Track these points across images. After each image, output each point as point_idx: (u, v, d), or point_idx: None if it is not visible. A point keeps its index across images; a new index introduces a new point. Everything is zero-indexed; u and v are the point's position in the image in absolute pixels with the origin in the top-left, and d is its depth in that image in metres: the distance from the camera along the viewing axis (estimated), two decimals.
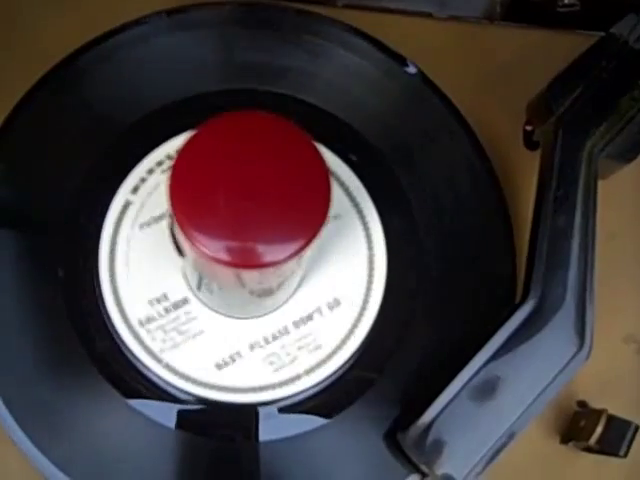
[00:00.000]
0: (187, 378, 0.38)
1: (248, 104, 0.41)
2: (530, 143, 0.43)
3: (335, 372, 0.39)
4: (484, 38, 0.46)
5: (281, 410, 0.38)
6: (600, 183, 0.39)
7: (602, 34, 0.41)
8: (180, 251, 0.34)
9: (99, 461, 0.38)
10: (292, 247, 0.29)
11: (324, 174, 0.29)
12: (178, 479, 0.38)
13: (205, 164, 0.29)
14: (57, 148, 0.41)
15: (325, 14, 0.43)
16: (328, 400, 0.39)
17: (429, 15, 0.45)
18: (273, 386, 0.38)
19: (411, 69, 0.42)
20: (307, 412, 0.39)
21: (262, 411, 0.38)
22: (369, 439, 0.39)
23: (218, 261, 0.29)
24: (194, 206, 0.29)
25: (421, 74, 0.42)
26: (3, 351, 0.38)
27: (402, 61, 0.42)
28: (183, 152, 0.29)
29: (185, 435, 0.38)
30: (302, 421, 0.39)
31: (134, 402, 0.38)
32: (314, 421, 0.39)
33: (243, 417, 0.38)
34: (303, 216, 0.29)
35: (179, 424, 0.38)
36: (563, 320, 0.37)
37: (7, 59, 0.44)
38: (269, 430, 0.38)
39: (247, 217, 0.29)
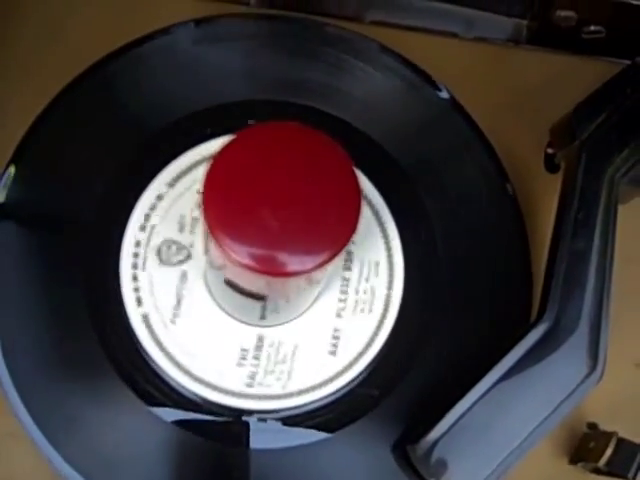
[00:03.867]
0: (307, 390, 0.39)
1: (273, 116, 0.41)
2: (551, 166, 0.44)
3: (343, 387, 0.39)
4: (509, 61, 0.46)
5: (282, 421, 0.39)
6: (619, 207, 0.39)
7: (626, 62, 0.42)
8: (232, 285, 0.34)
9: (106, 456, 0.38)
10: (320, 257, 0.29)
11: (355, 186, 0.29)
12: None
13: (238, 172, 0.29)
14: (83, 151, 0.41)
15: (352, 30, 0.44)
16: (329, 415, 0.39)
17: (455, 35, 0.46)
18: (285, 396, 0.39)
19: (437, 89, 0.43)
20: (311, 426, 0.39)
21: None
22: (370, 456, 0.39)
23: (245, 267, 0.29)
24: (226, 214, 0.29)
25: (446, 93, 0.43)
26: (26, 352, 0.39)
27: (429, 80, 0.43)
28: (217, 160, 0.30)
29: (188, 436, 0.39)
30: (298, 433, 0.39)
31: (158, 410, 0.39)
32: (314, 435, 0.39)
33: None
34: (334, 225, 0.29)
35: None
36: (577, 342, 0.38)
37: (39, 62, 0.44)
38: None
39: (279, 225, 0.29)
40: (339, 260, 0.30)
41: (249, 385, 0.39)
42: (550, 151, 0.43)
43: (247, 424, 0.39)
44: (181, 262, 0.39)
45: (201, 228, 0.39)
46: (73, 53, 0.43)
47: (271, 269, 0.29)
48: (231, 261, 0.29)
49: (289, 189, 0.29)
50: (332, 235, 0.29)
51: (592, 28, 0.44)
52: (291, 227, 0.29)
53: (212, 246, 0.30)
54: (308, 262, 0.29)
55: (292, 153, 0.30)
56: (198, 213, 0.40)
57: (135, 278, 0.39)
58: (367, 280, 0.40)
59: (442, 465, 0.37)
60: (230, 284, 0.33)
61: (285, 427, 0.39)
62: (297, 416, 0.39)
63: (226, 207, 0.29)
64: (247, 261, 0.29)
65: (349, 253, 0.40)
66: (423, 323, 0.40)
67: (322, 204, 0.29)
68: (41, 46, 0.45)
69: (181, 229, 0.40)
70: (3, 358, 0.38)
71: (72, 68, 0.42)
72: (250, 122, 0.39)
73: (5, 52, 0.44)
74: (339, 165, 0.30)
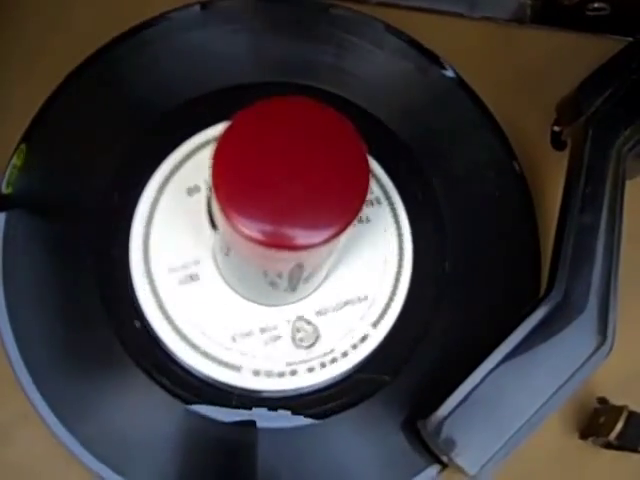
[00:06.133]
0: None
1: None
2: (557, 143, 0.44)
3: (353, 367, 0.39)
4: (514, 39, 0.46)
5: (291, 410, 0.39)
6: (626, 183, 0.39)
7: (630, 39, 0.42)
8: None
9: (119, 439, 0.39)
10: (328, 231, 0.30)
11: (363, 158, 0.30)
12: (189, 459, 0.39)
13: (248, 146, 0.30)
14: (90, 136, 0.41)
15: (358, 10, 0.44)
16: (336, 397, 0.39)
17: (460, 15, 0.46)
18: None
19: (443, 68, 0.43)
20: (318, 411, 0.39)
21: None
22: (377, 438, 0.39)
23: (255, 241, 0.29)
24: (237, 188, 0.29)
25: (453, 73, 0.43)
26: (38, 336, 0.39)
27: (435, 59, 0.43)
28: (226, 135, 0.30)
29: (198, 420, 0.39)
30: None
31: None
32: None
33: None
34: (342, 199, 0.29)
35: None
36: (586, 317, 0.38)
37: (45, 47, 0.44)
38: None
39: (288, 199, 0.29)
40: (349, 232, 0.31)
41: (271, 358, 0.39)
42: (557, 128, 0.43)
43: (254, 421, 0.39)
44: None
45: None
46: (78, 38, 0.43)
47: (283, 243, 0.29)
48: (243, 237, 0.29)
49: (298, 163, 0.29)
50: (342, 207, 0.29)
51: (596, 5, 0.44)
52: (301, 200, 0.29)
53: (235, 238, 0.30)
54: (317, 235, 0.29)
55: (300, 127, 0.30)
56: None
57: (147, 264, 0.39)
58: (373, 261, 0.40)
59: (452, 440, 0.37)
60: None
61: (294, 416, 0.39)
62: (304, 396, 0.39)
63: (236, 183, 0.29)
64: (259, 236, 0.29)
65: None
66: (432, 300, 0.40)
67: (331, 177, 0.29)
68: (46, 31, 0.45)
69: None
70: (16, 341, 0.39)
71: (77, 53, 0.42)
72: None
73: (11, 37, 0.44)
74: (346, 137, 0.30)
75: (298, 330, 0.39)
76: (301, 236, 0.29)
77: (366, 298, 0.40)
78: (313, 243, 0.29)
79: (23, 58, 0.44)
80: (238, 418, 0.39)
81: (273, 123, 0.30)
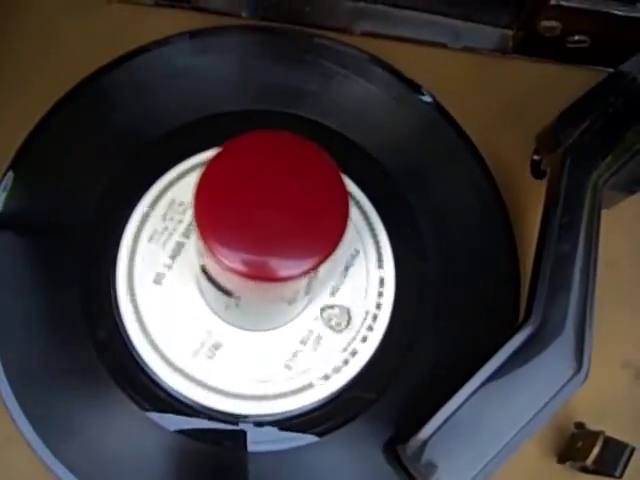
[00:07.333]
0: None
1: (263, 125, 0.42)
2: (537, 172, 0.44)
3: (335, 391, 0.40)
4: (496, 70, 0.47)
5: (278, 426, 0.39)
6: (603, 212, 0.40)
7: (610, 70, 0.43)
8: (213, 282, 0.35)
9: (105, 462, 0.39)
10: (312, 260, 0.30)
11: (343, 194, 0.30)
12: None
13: (230, 179, 0.30)
14: (77, 163, 0.42)
15: (340, 40, 0.44)
16: (323, 418, 0.40)
17: (444, 45, 0.47)
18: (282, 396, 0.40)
19: (426, 97, 0.44)
20: (301, 429, 0.39)
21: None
22: (363, 458, 0.40)
23: (237, 273, 0.30)
24: (218, 220, 0.30)
25: (435, 102, 0.44)
26: (23, 359, 0.39)
27: (417, 89, 0.44)
28: (209, 167, 0.30)
29: (186, 440, 0.39)
30: (294, 436, 0.39)
31: (156, 415, 0.39)
32: (305, 438, 0.39)
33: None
34: (323, 231, 0.30)
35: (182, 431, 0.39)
36: (562, 343, 0.38)
37: (36, 72, 0.45)
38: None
39: (270, 231, 0.30)
40: (329, 264, 0.31)
41: (259, 382, 0.39)
42: (536, 158, 0.44)
43: (244, 431, 0.39)
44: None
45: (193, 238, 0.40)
46: (69, 64, 0.44)
47: (261, 274, 0.30)
48: (223, 267, 0.30)
49: (278, 197, 0.30)
50: (321, 241, 0.30)
51: (576, 38, 0.45)
52: (280, 234, 0.30)
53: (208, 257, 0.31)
54: (296, 268, 0.30)
55: (281, 161, 0.30)
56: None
57: (131, 289, 0.40)
58: (357, 283, 0.41)
59: (431, 465, 0.37)
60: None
61: (281, 432, 0.39)
62: (292, 419, 0.40)
63: (217, 215, 0.30)
64: (237, 266, 0.30)
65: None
66: (413, 326, 0.41)
67: (310, 211, 0.30)
68: (38, 55, 0.45)
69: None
70: (1, 364, 0.39)
71: (67, 79, 0.42)
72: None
73: (2, 61, 0.45)
74: (326, 172, 0.31)
75: (281, 355, 0.40)
76: (281, 268, 0.30)
77: (348, 323, 0.40)
78: (293, 275, 0.30)
79: (15, 81, 0.45)
80: (227, 427, 0.39)
81: (256, 157, 0.30)
